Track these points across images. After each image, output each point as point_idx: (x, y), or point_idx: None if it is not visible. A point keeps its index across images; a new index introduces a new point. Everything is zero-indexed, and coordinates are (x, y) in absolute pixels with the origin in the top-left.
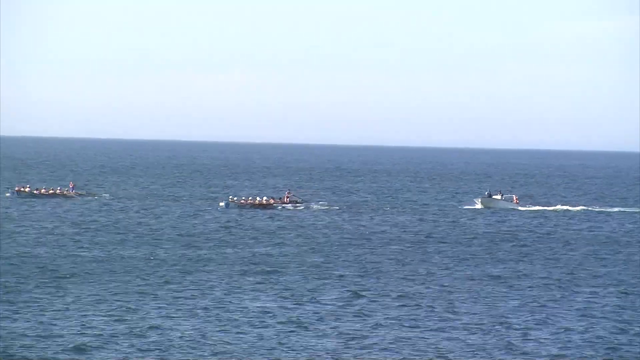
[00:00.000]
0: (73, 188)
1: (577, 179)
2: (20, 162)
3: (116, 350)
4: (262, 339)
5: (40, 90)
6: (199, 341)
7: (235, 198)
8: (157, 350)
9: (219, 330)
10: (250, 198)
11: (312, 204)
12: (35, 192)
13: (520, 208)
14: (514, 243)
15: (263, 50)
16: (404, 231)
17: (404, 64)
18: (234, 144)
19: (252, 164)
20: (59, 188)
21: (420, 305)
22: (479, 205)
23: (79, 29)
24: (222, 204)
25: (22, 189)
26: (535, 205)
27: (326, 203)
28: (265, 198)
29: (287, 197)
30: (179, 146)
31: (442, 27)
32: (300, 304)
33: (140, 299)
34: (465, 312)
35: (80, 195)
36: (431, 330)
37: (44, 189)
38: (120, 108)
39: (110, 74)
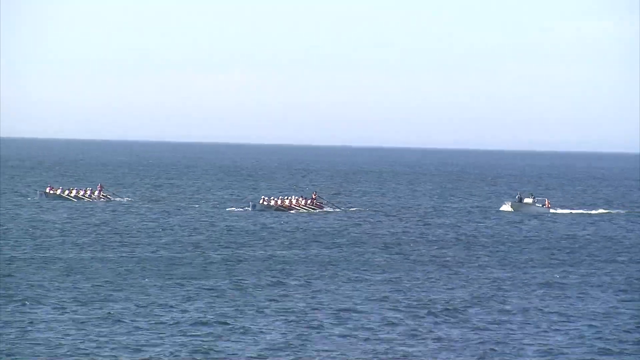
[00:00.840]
0: (101, 190)
1: (594, 180)
2: (37, 163)
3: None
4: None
5: (40, 90)
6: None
7: (261, 200)
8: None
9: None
10: (275, 198)
11: (338, 206)
12: (63, 194)
13: (552, 212)
14: (554, 247)
15: (263, 50)
16: (442, 234)
17: (404, 64)
18: (235, 145)
19: (267, 165)
20: (88, 189)
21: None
22: (509, 209)
23: (78, 28)
24: (249, 206)
25: (50, 191)
26: (567, 209)
27: (353, 206)
28: (290, 199)
29: (314, 199)
30: (182, 147)
31: (442, 27)
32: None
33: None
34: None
35: (107, 197)
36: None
37: (72, 190)
38: (119, 108)
39: (109, 74)
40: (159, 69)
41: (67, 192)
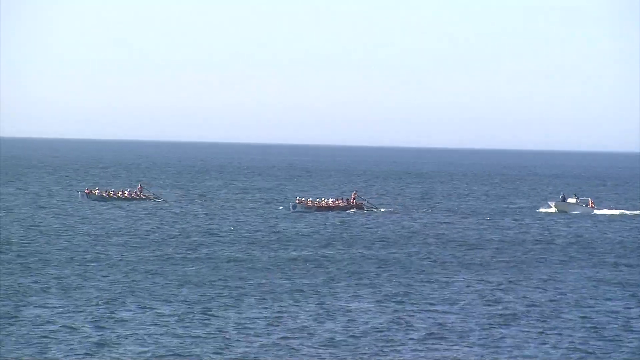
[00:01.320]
0: (141, 190)
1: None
2: (63, 163)
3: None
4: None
5: (39, 90)
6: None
7: (302, 199)
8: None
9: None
10: (317, 200)
11: (378, 207)
12: (104, 194)
13: (596, 212)
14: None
15: (262, 51)
16: (485, 235)
17: (404, 64)
18: (237, 145)
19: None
20: (127, 190)
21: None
22: (553, 209)
23: (78, 28)
24: (289, 205)
25: (91, 191)
26: (612, 209)
27: (391, 206)
28: (332, 200)
29: (354, 199)
30: (187, 147)
31: (442, 27)
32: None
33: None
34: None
35: (148, 198)
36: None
37: (113, 191)
38: (118, 108)
39: (108, 73)
40: (158, 68)
41: (104, 192)
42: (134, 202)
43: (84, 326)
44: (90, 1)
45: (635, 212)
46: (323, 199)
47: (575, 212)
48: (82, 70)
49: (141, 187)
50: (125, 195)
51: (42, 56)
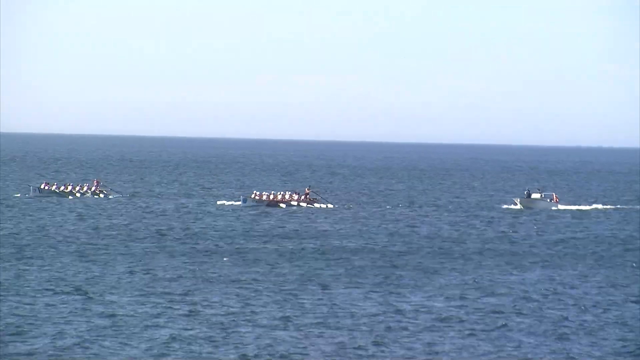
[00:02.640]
0: (97, 185)
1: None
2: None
3: None
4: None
5: (37, 86)
6: None
7: (254, 193)
8: None
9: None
10: (267, 193)
11: (331, 202)
12: (58, 189)
13: (560, 207)
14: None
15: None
16: (444, 233)
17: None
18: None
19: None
20: (86, 184)
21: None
22: (518, 206)
23: (80, 22)
24: (240, 200)
25: (45, 187)
26: (576, 205)
27: (348, 201)
28: (281, 194)
29: (307, 195)
30: (184, 142)
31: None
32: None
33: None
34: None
35: (104, 192)
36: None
37: (72, 185)
38: (114, 104)
39: (106, 70)
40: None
41: (62, 187)
42: (88, 197)
43: None
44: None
45: (600, 206)
46: (275, 193)
47: (541, 208)
48: (80, 67)
49: (97, 181)
50: (83, 190)
51: (41, 52)
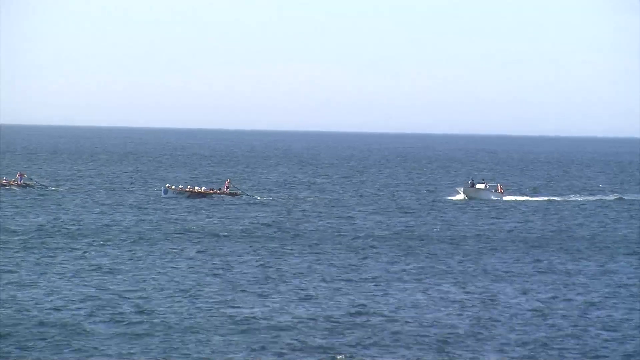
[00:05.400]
0: (21, 177)
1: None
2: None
3: None
4: None
5: (36, 78)
6: None
7: (173, 186)
8: None
9: None
10: (189, 186)
11: (254, 195)
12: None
13: (505, 198)
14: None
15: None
16: (381, 226)
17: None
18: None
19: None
20: (4, 178)
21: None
22: (461, 196)
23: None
24: (161, 190)
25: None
26: (521, 196)
27: (269, 195)
28: (204, 187)
29: (227, 187)
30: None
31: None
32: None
33: None
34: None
35: (29, 185)
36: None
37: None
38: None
39: (104, 66)
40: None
41: None
42: (13, 189)
43: None
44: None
45: (544, 198)
46: (195, 186)
47: (484, 198)
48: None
49: (21, 174)
50: (2, 182)
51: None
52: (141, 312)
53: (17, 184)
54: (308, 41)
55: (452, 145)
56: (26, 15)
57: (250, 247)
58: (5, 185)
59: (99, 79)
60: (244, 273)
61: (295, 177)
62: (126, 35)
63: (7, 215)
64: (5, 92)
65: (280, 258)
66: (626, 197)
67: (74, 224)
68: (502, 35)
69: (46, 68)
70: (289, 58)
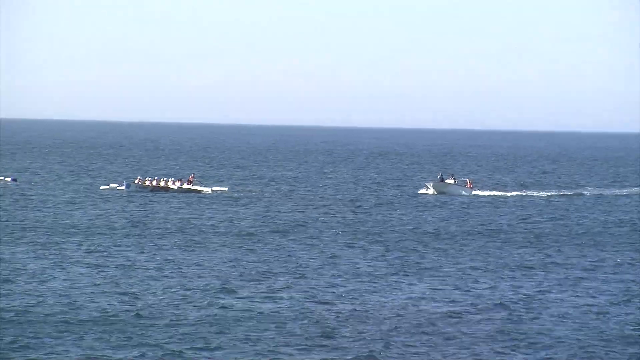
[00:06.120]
0: None
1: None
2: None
3: None
4: None
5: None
6: None
7: (137, 179)
8: None
9: None
10: (149, 179)
11: (215, 188)
12: None
13: (474, 192)
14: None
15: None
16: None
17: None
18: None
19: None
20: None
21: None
22: (431, 191)
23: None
24: (123, 185)
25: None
26: (490, 190)
27: (228, 189)
28: (165, 180)
29: (190, 182)
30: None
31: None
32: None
33: None
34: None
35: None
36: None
37: None
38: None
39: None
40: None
41: None
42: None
43: None
44: None
45: (512, 192)
46: (158, 179)
47: (453, 193)
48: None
49: None
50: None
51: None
52: (135, 309)
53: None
54: (308, 41)
55: (439, 140)
56: (26, 12)
57: (220, 242)
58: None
59: (97, 73)
60: (213, 269)
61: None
62: (125, 30)
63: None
64: (3, 86)
65: (248, 254)
66: (586, 193)
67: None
68: (502, 34)
69: (43, 62)
70: (288, 55)
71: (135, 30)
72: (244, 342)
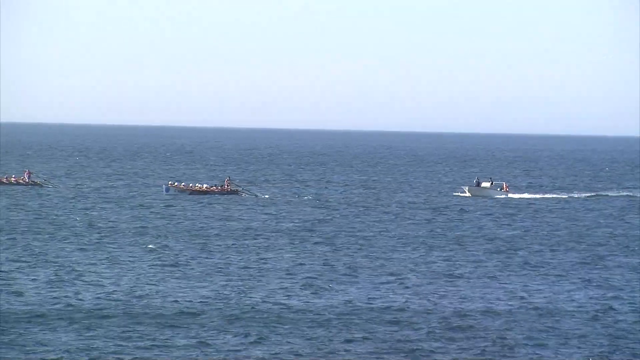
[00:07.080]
0: (29, 176)
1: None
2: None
3: None
4: None
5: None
6: None
7: (175, 183)
8: None
9: None
10: (190, 184)
11: (254, 192)
12: None
13: (511, 196)
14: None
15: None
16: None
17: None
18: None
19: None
20: (13, 176)
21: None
22: (467, 194)
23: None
24: (162, 188)
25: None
26: (526, 193)
27: (266, 193)
28: (206, 185)
29: (227, 186)
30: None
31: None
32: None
33: None
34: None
35: (37, 183)
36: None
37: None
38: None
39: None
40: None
41: None
42: (21, 187)
43: None
44: None
45: (548, 195)
46: (197, 184)
47: (490, 197)
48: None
49: (29, 172)
50: (11, 180)
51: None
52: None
53: (25, 181)
54: (308, 41)
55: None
56: (26, 13)
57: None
58: (13, 183)
59: (99, 77)
60: (242, 268)
61: (298, 176)
62: (126, 34)
63: (9, 212)
64: (3, 90)
65: (278, 254)
66: (575, 195)
67: (71, 220)
68: (502, 34)
69: (44, 66)
70: (288, 56)
71: (135, 31)
72: (303, 339)
